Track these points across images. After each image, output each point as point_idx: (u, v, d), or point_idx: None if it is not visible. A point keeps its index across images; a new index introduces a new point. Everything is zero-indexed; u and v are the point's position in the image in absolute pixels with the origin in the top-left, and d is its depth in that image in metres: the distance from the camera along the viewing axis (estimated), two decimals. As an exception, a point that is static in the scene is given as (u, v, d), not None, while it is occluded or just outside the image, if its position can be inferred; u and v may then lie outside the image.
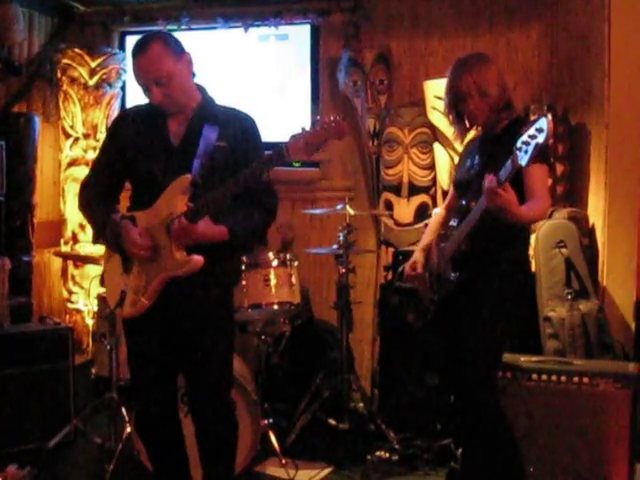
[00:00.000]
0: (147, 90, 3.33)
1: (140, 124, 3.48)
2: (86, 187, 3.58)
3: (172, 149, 3.40)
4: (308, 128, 3.12)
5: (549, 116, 3.14)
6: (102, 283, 3.70)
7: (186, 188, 3.27)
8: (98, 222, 3.47)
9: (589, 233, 5.02)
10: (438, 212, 4.12)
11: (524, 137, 3.09)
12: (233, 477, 3.67)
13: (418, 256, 3.90)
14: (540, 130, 3.08)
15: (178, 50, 3.36)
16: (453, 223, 3.67)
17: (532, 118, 3.19)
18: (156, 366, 3.50)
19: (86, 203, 3.55)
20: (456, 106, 3.69)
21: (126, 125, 3.53)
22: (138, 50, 3.32)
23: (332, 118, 3.10)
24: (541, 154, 3.27)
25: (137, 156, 3.43)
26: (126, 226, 3.31)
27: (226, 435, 3.55)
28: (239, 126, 3.47)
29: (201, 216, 3.21)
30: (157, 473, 3.69)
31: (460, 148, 4.16)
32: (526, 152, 3.08)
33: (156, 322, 3.42)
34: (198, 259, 3.25)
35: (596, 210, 5.02)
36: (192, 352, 3.46)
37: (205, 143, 3.34)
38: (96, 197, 3.52)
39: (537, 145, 3.06)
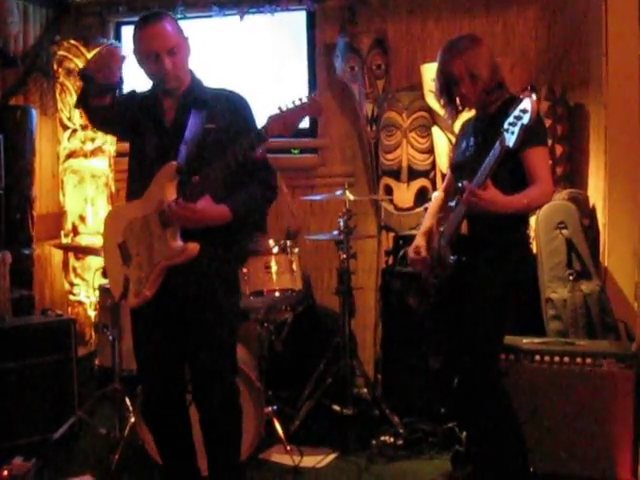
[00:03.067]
0: (157, 58, 3.37)
1: (142, 105, 3.57)
2: None
3: (164, 131, 3.46)
4: (285, 106, 3.19)
5: (533, 96, 3.15)
6: (104, 275, 3.72)
7: (173, 175, 3.31)
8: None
9: (590, 214, 5.02)
10: (437, 195, 4.12)
11: (510, 118, 3.15)
12: (239, 463, 3.68)
13: (420, 240, 3.91)
14: (524, 111, 3.12)
15: (183, 31, 3.48)
16: (451, 203, 3.68)
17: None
18: (163, 354, 3.52)
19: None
20: (448, 89, 3.69)
21: (131, 102, 3.63)
22: (152, 19, 3.40)
23: (308, 96, 3.17)
24: (538, 135, 3.29)
25: (137, 139, 3.53)
26: None
27: (231, 421, 3.56)
28: (228, 106, 3.52)
29: (197, 193, 3.24)
30: (164, 460, 3.70)
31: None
32: (512, 133, 3.13)
33: (162, 310, 3.44)
34: (194, 246, 3.29)
35: (596, 190, 5.01)
36: (195, 337, 3.46)
37: (192, 128, 3.39)
38: None
39: (523, 126, 3.11)
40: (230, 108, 3.51)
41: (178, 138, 3.39)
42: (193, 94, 3.49)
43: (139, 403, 3.70)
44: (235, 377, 3.60)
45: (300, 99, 3.17)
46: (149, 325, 3.50)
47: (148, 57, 3.40)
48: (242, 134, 3.33)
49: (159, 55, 3.36)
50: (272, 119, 3.19)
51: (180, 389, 3.63)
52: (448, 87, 3.68)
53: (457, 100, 3.70)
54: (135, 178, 3.55)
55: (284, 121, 3.18)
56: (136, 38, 3.45)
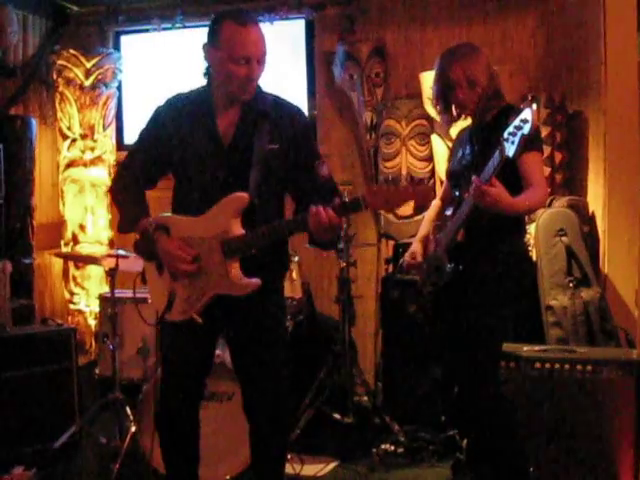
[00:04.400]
0: (248, 62, 3.15)
1: (186, 113, 3.32)
2: (122, 170, 3.49)
3: (222, 148, 3.28)
4: (390, 182, 3.07)
5: (534, 106, 3.16)
6: (143, 280, 3.58)
7: (242, 208, 3.16)
8: (128, 216, 3.37)
9: (589, 221, 5.02)
10: (434, 203, 4.13)
11: (510, 128, 3.15)
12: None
13: (417, 247, 3.92)
14: (525, 121, 3.12)
15: None
16: (448, 212, 3.69)
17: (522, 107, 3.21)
18: (192, 363, 3.46)
19: (118, 188, 3.45)
20: (445, 96, 3.70)
21: (171, 113, 3.36)
22: (251, 20, 3.18)
23: (422, 183, 3.05)
24: (533, 142, 3.31)
25: (183, 151, 3.32)
26: (161, 239, 3.23)
27: (283, 444, 3.58)
28: (289, 121, 3.35)
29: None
30: (168, 467, 3.62)
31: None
32: (513, 143, 3.13)
33: (202, 327, 3.31)
34: (256, 283, 3.18)
35: (596, 197, 5.01)
36: (253, 365, 3.42)
37: (260, 147, 3.22)
38: (131, 186, 3.40)
39: (523, 136, 3.12)
40: (290, 124, 3.33)
41: (241, 158, 3.23)
42: (256, 106, 3.29)
43: (156, 405, 3.66)
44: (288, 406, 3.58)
45: (416, 184, 3.04)
46: (183, 333, 3.36)
47: (238, 59, 3.14)
48: (303, 162, 3.26)
49: (251, 60, 3.15)
50: (375, 192, 3.00)
51: (198, 399, 3.57)
52: (445, 94, 3.69)
53: (454, 107, 3.71)
54: (185, 192, 3.36)
55: (386, 198, 2.98)
56: (227, 34, 3.16)
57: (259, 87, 3.33)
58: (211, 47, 3.23)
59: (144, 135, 3.45)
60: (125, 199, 3.41)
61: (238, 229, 3.17)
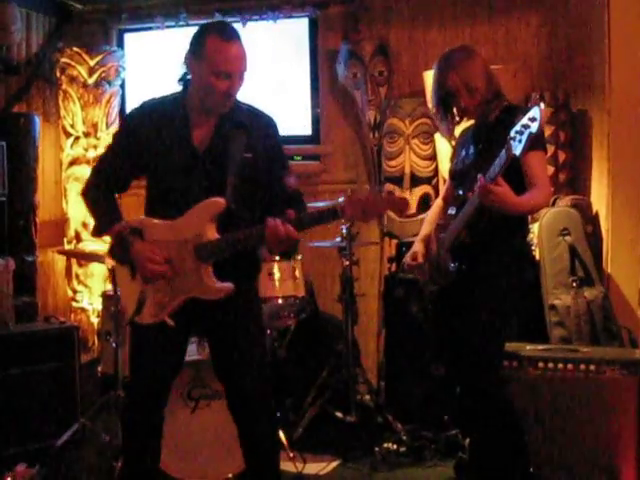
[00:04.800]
0: (228, 78, 3.17)
1: (159, 120, 3.33)
2: (95, 174, 3.50)
3: (196, 156, 3.29)
4: (368, 191, 3.06)
5: (542, 105, 3.17)
6: (114, 284, 3.60)
7: (219, 213, 3.18)
8: (102, 220, 3.39)
9: (593, 220, 5.01)
10: (436, 202, 4.13)
11: (517, 127, 3.14)
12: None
13: (418, 246, 3.91)
14: (533, 119, 3.11)
15: None
16: (451, 212, 3.68)
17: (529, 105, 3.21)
18: (161, 366, 3.43)
19: (91, 193, 3.46)
20: (445, 103, 3.70)
21: (144, 119, 3.36)
22: (235, 36, 3.20)
23: (398, 194, 3.06)
24: (536, 141, 3.30)
25: (156, 157, 3.32)
26: (135, 243, 3.23)
27: (271, 442, 3.55)
28: (264, 132, 3.37)
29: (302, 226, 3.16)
30: (127, 462, 3.56)
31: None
32: (520, 141, 3.12)
33: (173, 330, 3.32)
34: (229, 287, 3.20)
35: (599, 197, 5.01)
36: (231, 363, 3.42)
37: (235, 156, 3.24)
38: (103, 189, 3.42)
39: (530, 134, 3.10)
40: (264, 135, 3.36)
41: (216, 166, 3.25)
42: (232, 117, 3.31)
43: (122, 408, 3.63)
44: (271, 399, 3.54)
45: (390, 193, 3.04)
46: (153, 335, 3.35)
47: (220, 74, 3.16)
48: (272, 169, 3.31)
49: (232, 76, 3.18)
50: (351, 202, 3.03)
51: (164, 402, 3.51)
52: (445, 101, 3.69)
53: (456, 112, 3.70)
54: (159, 197, 3.36)
55: (364, 208, 3.01)
56: (210, 47, 3.17)
57: (236, 99, 3.35)
58: (194, 58, 3.25)
59: (116, 140, 3.51)
60: (98, 203, 3.44)
61: (213, 234, 3.19)
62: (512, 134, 3.14)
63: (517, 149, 3.12)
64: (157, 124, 3.32)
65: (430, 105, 5.51)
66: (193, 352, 4.26)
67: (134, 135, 3.36)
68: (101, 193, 3.42)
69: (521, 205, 3.37)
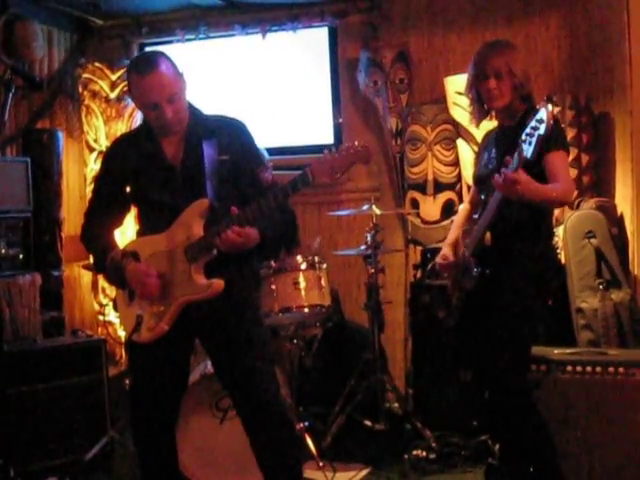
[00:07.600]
0: (156, 108, 3.26)
1: (134, 149, 3.45)
2: (87, 218, 3.64)
3: (174, 171, 3.38)
4: (332, 150, 3.09)
5: (549, 106, 3.15)
6: (116, 308, 3.67)
7: (204, 212, 3.27)
8: (98, 258, 3.56)
9: (618, 222, 4.99)
10: (463, 207, 4.13)
11: (527, 129, 3.16)
12: None
13: (447, 250, 3.92)
14: (540, 121, 3.13)
15: (178, 68, 3.40)
16: (476, 216, 3.68)
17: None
18: (164, 390, 3.44)
19: (87, 235, 3.61)
20: (478, 84, 3.67)
21: (120, 152, 3.53)
22: (149, 68, 3.26)
23: (357, 143, 3.08)
24: (555, 140, 3.30)
25: (138, 182, 3.44)
26: (128, 265, 3.33)
27: (291, 456, 3.51)
28: (234, 135, 3.46)
29: (248, 223, 3.19)
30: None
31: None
32: (530, 144, 3.14)
33: (171, 343, 3.36)
34: (219, 283, 3.25)
35: (624, 199, 4.99)
36: (234, 374, 3.42)
37: (210, 161, 3.33)
38: (97, 228, 3.56)
39: (539, 136, 3.12)
40: (235, 136, 3.45)
41: (192, 174, 3.34)
42: (198, 127, 3.40)
43: (131, 427, 3.64)
44: (282, 401, 3.56)
45: (350, 145, 3.09)
46: (154, 354, 3.37)
47: (147, 106, 3.31)
48: (251, 165, 3.38)
49: (158, 105, 3.26)
50: (319, 162, 3.08)
51: (174, 422, 3.54)
52: (481, 81, 3.65)
53: (486, 98, 3.67)
54: (149, 216, 3.48)
55: (331, 166, 3.06)
56: (132, 86, 3.34)
57: (198, 110, 3.48)
58: (129, 96, 3.48)
59: (99, 181, 3.69)
60: (92, 244, 3.60)
61: (199, 231, 3.27)
62: (523, 137, 3.17)
63: (528, 152, 3.14)
64: (130, 152, 3.46)
65: (451, 111, 5.58)
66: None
67: (113, 169, 3.53)
68: (95, 234, 3.57)
69: (544, 192, 3.35)
